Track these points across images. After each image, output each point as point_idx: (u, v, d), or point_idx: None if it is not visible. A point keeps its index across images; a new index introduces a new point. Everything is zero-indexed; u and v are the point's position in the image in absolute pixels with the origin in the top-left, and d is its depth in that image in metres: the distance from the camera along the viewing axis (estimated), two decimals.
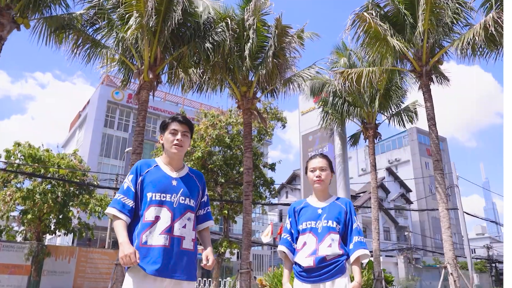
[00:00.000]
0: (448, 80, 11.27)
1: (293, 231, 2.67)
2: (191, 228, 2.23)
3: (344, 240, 2.56)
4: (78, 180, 16.62)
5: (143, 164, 2.31)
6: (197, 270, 2.30)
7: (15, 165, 15.69)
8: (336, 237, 2.52)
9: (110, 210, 2.19)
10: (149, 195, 2.19)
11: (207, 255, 2.25)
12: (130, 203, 2.19)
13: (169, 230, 2.13)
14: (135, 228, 2.17)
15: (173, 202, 2.20)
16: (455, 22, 10.42)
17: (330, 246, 2.48)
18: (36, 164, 15.52)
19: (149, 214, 2.14)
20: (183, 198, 2.24)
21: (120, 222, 2.16)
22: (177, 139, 2.31)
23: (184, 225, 2.19)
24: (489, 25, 8.90)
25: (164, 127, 2.37)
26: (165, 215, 2.15)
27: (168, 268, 2.09)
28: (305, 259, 2.49)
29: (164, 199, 2.18)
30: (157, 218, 2.14)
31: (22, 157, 15.81)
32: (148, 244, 2.09)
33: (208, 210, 2.46)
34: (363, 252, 2.50)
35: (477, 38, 9.11)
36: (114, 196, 17.75)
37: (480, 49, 10.14)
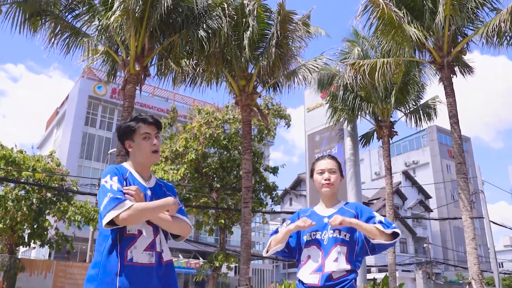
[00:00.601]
0: (472, 72, 11.29)
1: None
2: (165, 241, 2.23)
3: (355, 253, 2.51)
4: (55, 185, 16.62)
5: (120, 169, 2.21)
6: (176, 280, 2.29)
7: None
8: (344, 249, 2.46)
9: (113, 214, 1.97)
10: None
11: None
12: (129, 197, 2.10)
13: (153, 245, 2.11)
14: (115, 240, 2.06)
15: None
16: (480, 7, 10.44)
17: (336, 261, 2.43)
18: (10, 167, 15.51)
19: (131, 226, 2.08)
20: None
21: (137, 203, 2.05)
22: (154, 144, 2.24)
23: (160, 240, 2.19)
24: None
25: (130, 131, 2.23)
26: (147, 230, 2.12)
27: (157, 287, 2.09)
28: (309, 276, 2.46)
29: None
30: (139, 232, 2.10)
31: None
32: (134, 261, 2.03)
33: (182, 207, 2.37)
34: (394, 230, 2.39)
35: (503, 24, 9.15)
36: (95, 204, 17.75)
37: (508, 37, 10.17)
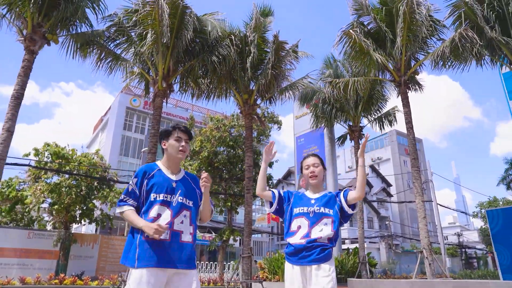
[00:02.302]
0: (422, 88, 11.31)
1: (281, 193, 2.71)
2: (188, 224, 2.21)
3: (336, 223, 2.52)
4: (99, 176, 16.61)
5: (147, 169, 2.26)
6: (195, 259, 2.25)
7: (43, 162, 15.70)
8: (329, 220, 2.49)
9: (118, 210, 2.19)
10: (153, 195, 2.17)
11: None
12: (132, 202, 2.18)
13: (170, 225, 2.12)
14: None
15: (172, 201, 2.19)
16: (429, 37, 10.47)
17: (322, 231, 2.46)
18: (59, 160, 15.50)
19: (152, 212, 2.13)
20: (181, 198, 2.23)
21: (130, 211, 2.15)
22: (182, 146, 2.31)
23: (182, 221, 2.19)
24: (457, 40, 8.96)
25: (167, 134, 2.33)
26: (166, 213, 2.15)
27: (169, 259, 2.07)
28: (298, 240, 2.47)
29: (166, 199, 2.18)
30: (158, 215, 2.13)
31: (49, 155, 15.81)
32: (150, 238, 2.06)
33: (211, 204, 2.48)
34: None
35: (446, 51, 9.17)
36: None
37: (450, 61, 10.20)
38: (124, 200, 2.18)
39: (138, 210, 2.19)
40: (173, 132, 2.32)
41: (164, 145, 2.34)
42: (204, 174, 2.33)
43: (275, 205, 2.68)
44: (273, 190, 2.73)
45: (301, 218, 2.54)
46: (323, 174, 2.73)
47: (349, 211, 2.55)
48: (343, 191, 2.62)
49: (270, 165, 19.28)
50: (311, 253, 2.40)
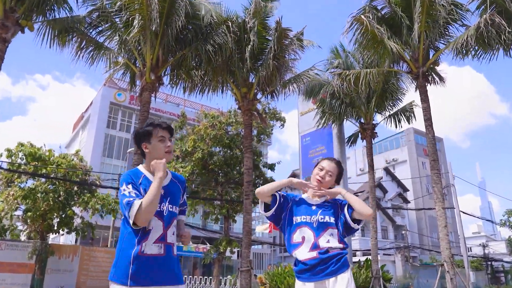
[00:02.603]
0: (444, 81, 11.29)
1: (282, 198, 2.63)
2: (175, 234, 2.24)
3: (342, 234, 2.53)
4: (79, 180, 16.62)
5: (132, 175, 2.21)
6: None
7: (17, 165, 15.69)
8: (335, 231, 2.49)
9: (132, 211, 2.02)
10: None
11: (182, 234, 2.32)
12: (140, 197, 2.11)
13: (163, 238, 2.12)
14: (135, 235, 2.09)
15: (163, 211, 2.16)
16: (451, 23, 10.46)
17: (329, 242, 2.45)
18: (35, 163, 15.50)
19: (150, 223, 2.10)
20: (171, 207, 2.22)
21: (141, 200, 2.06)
22: (168, 146, 2.26)
23: (173, 232, 2.20)
24: (482, 27, 8.95)
25: (147, 134, 2.25)
26: (157, 224, 2.13)
27: (165, 276, 2.08)
28: (307, 253, 2.45)
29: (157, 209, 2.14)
30: (152, 227, 2.12)
31: (23, 156, 15.80)
32: (145, 253, 2.05)
33: (185, 208, 2.44)
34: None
35: (470, 40, 9.16)
36: (116, 196, 17.77)
37: (474, 50, 10.19)
38: (132, 200, 2.06)
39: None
40: (154, 132, 2.25)
41: (146, 148, 2.26)
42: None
43: (272, 211, 2.59)
44: (276, 193, 2.62)
45: (304, 228, 2.52)
46: (331, 186, 2.67)
47: (355, 226, 2.52)
48: (347, 205, 2.57)
49: (272, 168, 19.29)
50: (327, 265, 2.39)
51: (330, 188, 2.66)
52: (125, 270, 2.02)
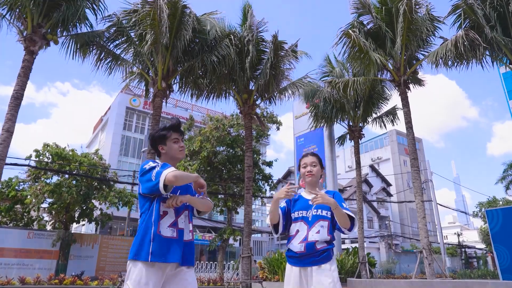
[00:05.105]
0: (423, 85, 11.30)
1: (286, 205, 2.63)
2: (188, 222, 2.27)
3: (334, 226, 2.53)
4: (99, 176, 16.62)
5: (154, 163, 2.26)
6: (194, 256, 2.30)
7: (44, 163, 15.71)
8: (325, 223, 2.48)
9: (162, 178, 2.04)
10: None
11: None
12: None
13: (175, 224, 2.17)
14: (151, 217, 2.13)
15: None
16: (429, 35, 10.45)
17: (319, 233, 2.45)
18: (61, 162, 15.53)
19: (162, 208, 2.17)
20: None
21: (174, 169, 2.10)
22: (181, 146, 2.33)
23: (184, 220, 2.23)
24: (459, 42, 8.95)
25: (163, 138, 2.31)
26: (171, 212, 2.19)
27: (177, 255, 2.12)
28: (297, 245, 2.47)
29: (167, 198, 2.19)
30: (165, 212, 2.17)
31: (49, 156, 15.83)
32: (162, 233, 2.11)
33: (203, 195, 2.41)
34: (345, 211, 2.42)
35: (448, 53, 9.17)
36: (131, 190, 17.77)
37: (451, 61, 10.20)
38: (161, 168, 2.10)
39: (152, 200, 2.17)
40: (168, 135, 2.32)
41: (163, 149, 2.32)
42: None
43: (281, 228, 2.56)
44: (280, 206, 2.58)
45: (300, 222, 2.53)
46: (321, 174, 2.70)
47: (339, 230, 2.50)
48: (340, 202, 2.50)
49: (270, 165, 19.29)
50: (313, 256, 2.41)
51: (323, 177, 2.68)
52: (147, 248, 2.06)
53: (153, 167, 2.14)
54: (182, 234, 2.18)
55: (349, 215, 2.43)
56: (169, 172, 2.05)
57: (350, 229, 2.46)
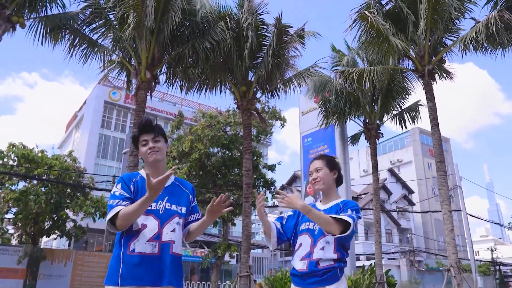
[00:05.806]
0: (452, 78, 11.27)
1: (283, 222, 2.67)
2: (180, 233, 2.25)
3: (342, 242, 2.48)
4: (73, 182, 16.62)
5: (127, 177, 2.29)
6: (183, 276, 2.27)
7: (8, 166, 15.71)
8: (331, 239, 2.44)
9: (108, 216, 2.10)
10: None
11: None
12: (124, 203, 2.14)
13: (157, 237, 2.14)
14: (122, 236, 2.17)
15: (158, 209, 2.20)
16: (458, 17, 10.42)
17: (323, 250, 2.43)
18: (28, 165, 15.52)
19: (135, 223, 2.14)
20: (169, 205, 2.25)
21: (125, 208, 2.09)
22: (151, 147, 2.30)
23: (173, 229, 2.20)
24: (491, 23, 8.95)
25: (135, 140, 2.37)
26: (152, 223, 2.16)
27: (158, 276, 2.09)
28: (299, 261, 2.47)
29: (150, 208, 2.16)
30: (143, 226, 2.15)
31: (15, 158, 15.82)
32: (136, 252, 2.09)
33: (198, 217, 2.44)
34: (343, 217, 2.35)
35: (479, 36, 9.15)
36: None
37: (484, 47, 10.18)
38: (114, 204, 2.13)
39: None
40: (139, 138, 2.35)
41: (138, 153, 2.40)
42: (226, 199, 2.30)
43: (274, 239, 2.64)
44: (274, 222, 2.69)
45: (305, 235, 2.53)
46: (333, 177, 2.66)
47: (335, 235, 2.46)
48: (345, 209, 2.49)
49: (272, 169, 19.29)
50: (316, 276, 2.40)
51: (336, 180, 2.68)
52: (116, 270, 2.08)
53: (112, 195, 2.19)
54: (167, 248, 2.15)
55: (339, 219, 2.35)
56: (112, 215, 2.09)
57: (341, 233, 2.35)
